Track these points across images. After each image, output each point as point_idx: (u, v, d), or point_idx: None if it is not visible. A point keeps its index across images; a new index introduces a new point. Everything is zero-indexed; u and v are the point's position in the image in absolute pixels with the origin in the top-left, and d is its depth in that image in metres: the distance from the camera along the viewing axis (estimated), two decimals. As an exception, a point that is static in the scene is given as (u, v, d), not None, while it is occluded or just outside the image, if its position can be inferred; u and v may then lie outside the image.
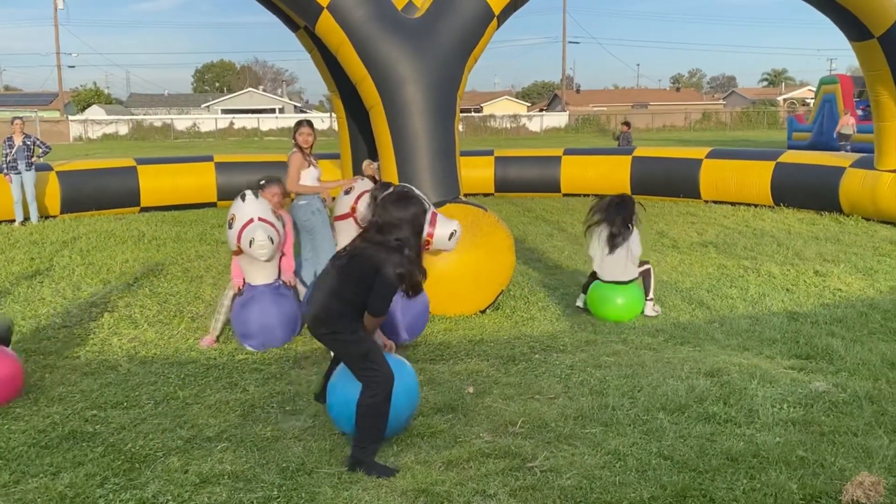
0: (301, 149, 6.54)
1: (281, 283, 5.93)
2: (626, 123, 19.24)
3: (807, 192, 11.89)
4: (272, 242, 5.53)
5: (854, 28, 9.94)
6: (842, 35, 10.43)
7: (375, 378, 3.66)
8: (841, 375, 4.85)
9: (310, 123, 6.74)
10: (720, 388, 4.60)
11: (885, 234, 9.82)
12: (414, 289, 3.72)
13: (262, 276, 5.82)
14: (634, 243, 6.35)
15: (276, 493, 3.44)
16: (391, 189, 4.29)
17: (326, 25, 6.85)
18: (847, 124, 23.11)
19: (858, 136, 21.43)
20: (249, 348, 5.65)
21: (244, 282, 5.83)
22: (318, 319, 3.71)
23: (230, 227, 5.62)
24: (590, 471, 3.60)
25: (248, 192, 5.67)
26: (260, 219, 5.55)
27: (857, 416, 4.19)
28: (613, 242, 6.30)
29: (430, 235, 5.70)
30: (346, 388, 3.84)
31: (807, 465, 3.62)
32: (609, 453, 3.78)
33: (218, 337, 5.83)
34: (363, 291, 3.66)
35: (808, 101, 54.82)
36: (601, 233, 6.39)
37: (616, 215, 6.30)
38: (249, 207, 5.61)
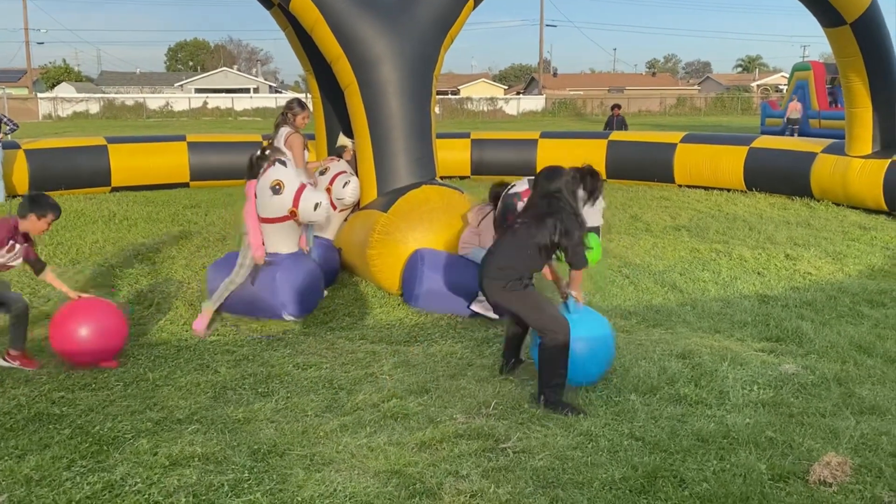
0: (297, 129, 6.38)
1: (301, 249, 5.94)
2: (617, 106, 18.05)
3: (779, 177, 12.00)
4: None
5: (827, 14, 10.00)
6: (815, 22, 10.49)
7: (553, 325, 4.09)
8: (810, 358, 4.92)
9: (305, 105, 6.62)
10: (691, 369, 4.65)
11: (854, 219, 9.95)
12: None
13: (288, 244, 5.77)
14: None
15: (246, 474, 3.41)
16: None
17: (301, 3, 6.74)
18: (795, 109, 24.36)
19: (829, 123, 21.73)
20: (288, 318, 5.64)
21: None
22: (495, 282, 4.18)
23: (277, 193, 5.53)
24: (562, 451, 3.61)
25: (284, 159, 5.67)
26: (308, 184, 5.69)
27: (825, 397, 4.26)
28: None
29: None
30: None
31: (776, 445, 3.66)
32: (581, 434, 3.80)
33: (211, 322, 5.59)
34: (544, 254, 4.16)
35: (781, 87, 55.36)
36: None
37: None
38: (293, 173, 5.64)
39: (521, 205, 5.76)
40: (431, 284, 5.90)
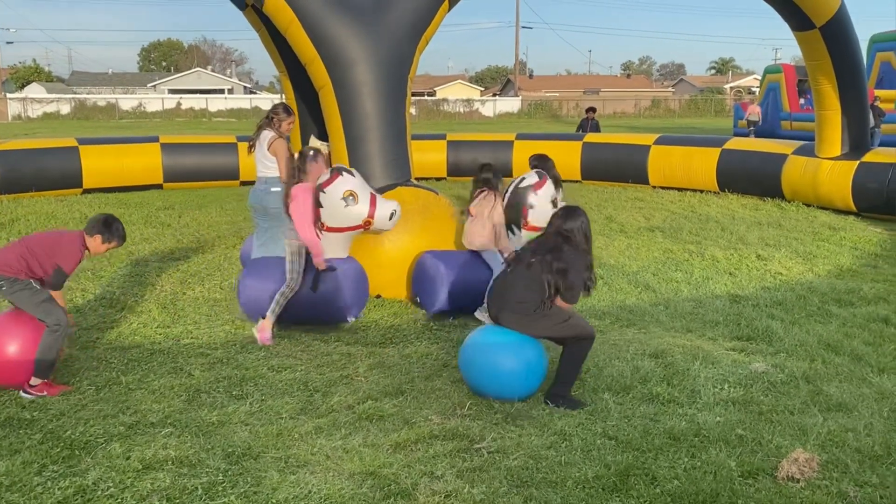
0: (281, 135, 6.26)
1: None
2: (592, 109, 17.39)
3: (751, 178, 12.16)
4: None
5: (797, 18, 10.16)
6: (787, 25, 10.66)
7: (583, 332, 4.31)
8: (779, 356, 5.00)
9: (292, 111, 6.49)
10: (664, 369, 4.71)
11: (824, 220, 10.12)
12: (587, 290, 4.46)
13: (345, 250, 5.83)
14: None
15: (221, 478, 3.40)
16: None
17: (275, 5, 6.72)
18: (754, 112, 25.22)
19: (800, 125, 22.07)
20: (351, 320, 5.69)
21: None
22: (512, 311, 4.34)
23: (350, 204, 5.56)
24: (536, 451, 3.64)
25: (344, 167, 5.79)
26: (374, 193, 5.83)
27: (794, 395, 4.33)
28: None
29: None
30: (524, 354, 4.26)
31: (745, 443, 3.72)
32: (555, 434, 3.83)
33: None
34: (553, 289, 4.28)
35: (754, 89, 56.06)
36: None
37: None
38: (361, 182, 5.71)
39: (533, 197, 6.03)
40: (453, 289, 5.78)
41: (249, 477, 3.42)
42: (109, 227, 4.56)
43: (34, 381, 4.32)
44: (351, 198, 5.56)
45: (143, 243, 8.76)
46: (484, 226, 5.92)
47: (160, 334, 5.53)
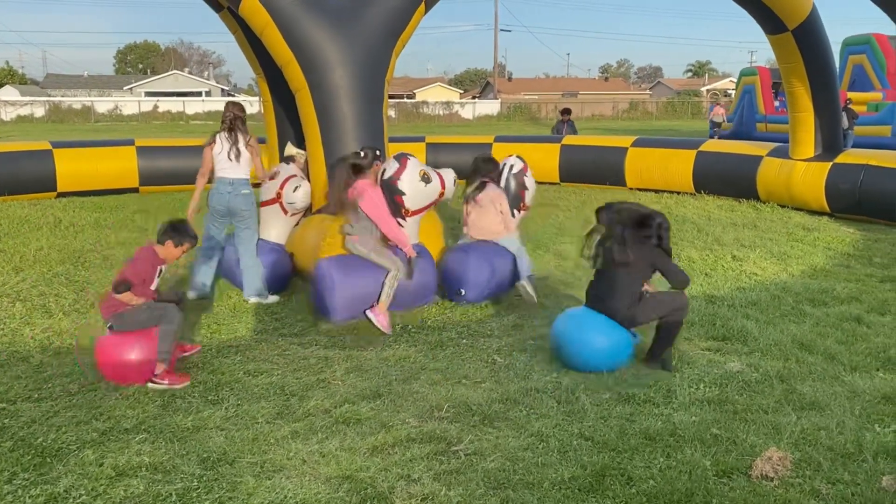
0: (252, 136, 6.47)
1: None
2: (567, 111, 17.26)
3: (726, 180, 12.28)
4: None
5: (770, 21, 10.28)
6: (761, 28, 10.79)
7: (678, 304, 4.86)
8: (754, 356, 5.05)
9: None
10: (640, 369, 4.73)
11: (798, 221, 10.25)
12: None
13: (416, 234, 6.20)
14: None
15: (196, 483, 3.37)
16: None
17: (250, 7, 6.68)
18: (718, 114, 26.49)
19: (776, 127, 22.34)
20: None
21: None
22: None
23: (427, 182, 5.95)
24: (513, 453, 3.65)
25: (403, 153, 6.19)
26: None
27: (769, 394, 4.38)
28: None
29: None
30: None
31: (720, 442, 3.76)
32: (532, 435, 3.84)
33: None
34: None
35: (729, 91, 56.64)
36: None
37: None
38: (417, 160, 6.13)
39: (528, 180, 6.69)
40: (480, 278, 6.18)
41: (225, 482, 3.39)
42: (178, 230, 4.73)
43: (157, 368, 4.53)
44: (425, 176, 5.94)
45: (118, 247, 8.66)
46: (496, 216, 6.35)
47: (135, 339, 5.46)
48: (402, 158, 5.98)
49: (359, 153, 5.95)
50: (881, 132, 19.50)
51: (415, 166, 5.91)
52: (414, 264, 5.80)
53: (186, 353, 5.00)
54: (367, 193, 5.66)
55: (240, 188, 6.34)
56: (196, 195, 6.47)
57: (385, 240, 5.78)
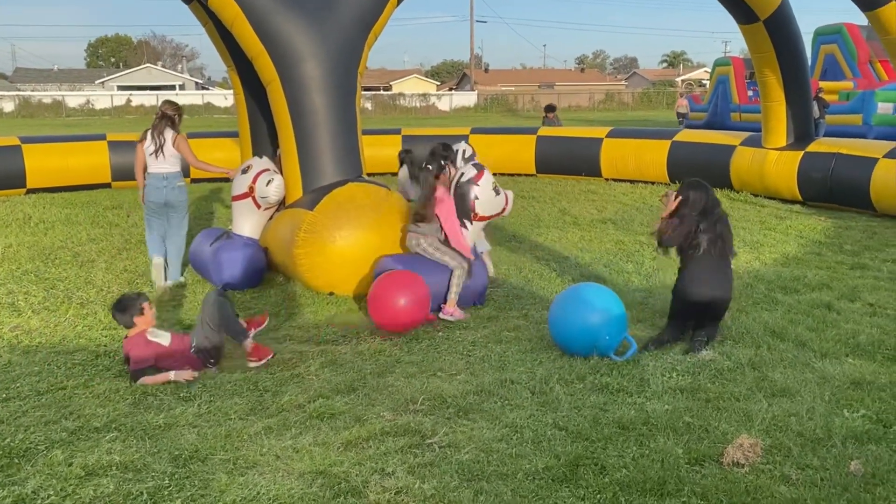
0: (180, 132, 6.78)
1: None
2: (551, 108, 17.19)
3: (700, 169, 12.31)
4: None
5: (741, 12, 10.35)
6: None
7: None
8: (726, 344, 5.09)
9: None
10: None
11: (771, 209, 10.35)
12: None
13: (479, 236, 6.47)
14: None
15: (167, 481, 3.34)
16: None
17: (220, -2, 6.60)
18: (682, 105, 27.07)
19: (749, 117, 22.54)
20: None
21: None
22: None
23: (498, 193, 6.11)
24: (487, 444, 3.65)
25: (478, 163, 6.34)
26: None
27: (740, 381, 4.42)
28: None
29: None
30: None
31: (692, 430, 3.78)
32: (507, 426, 3.85)
33: None
34: None
35: (704, 81, 57.04)
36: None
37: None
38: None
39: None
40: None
41: (197, 480, 3.36)
42: (125, 304, 4.70)
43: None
44: (496, 188, 6.13)
45: (89, 244, 8.55)
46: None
47: (106, 336, 5.40)
48: (479, 167, 6.18)
49: (440, 154, 6.15)
50: (852, 121, 19.74)
51: (489, 176, 6.15)
52: (472, 266, 5.96)
53: (261, 327, 5.21)
54: (445, 202, 5.95)
55: (173, 181, 6.70)
56: (140, 188, 6.84)
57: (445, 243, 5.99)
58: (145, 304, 4.72)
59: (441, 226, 5.94)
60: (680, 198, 5.32)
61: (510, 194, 6.33)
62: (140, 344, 4.59)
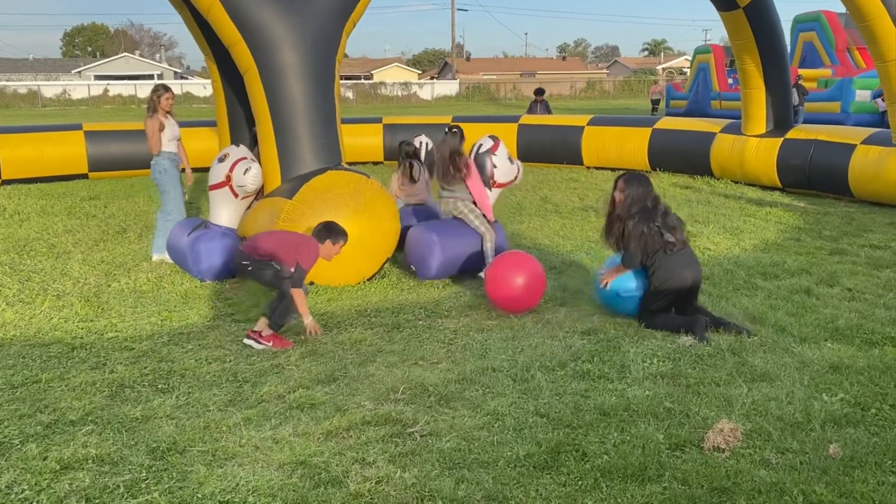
0: (158, 111, 7.22)
1: None
2: (540, 91, 16.84)
3: (681, 156, 12.41)
4: None
5: (722, -2, 10.37)
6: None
7: None
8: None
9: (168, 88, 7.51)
10: (595, 345, 4.76)
11: (751, 196, 10.40)
12: None
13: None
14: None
15: (144, 474, 3.29)
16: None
17: (195, -16, 6.49)
18: (656, 91, 28.00)
19: (730, 104, 22.63)
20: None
21: None
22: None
23: (512, 162, 6.79)
24: (469, 432, 3.64)
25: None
26: None
27: (721, 367, 4.43)
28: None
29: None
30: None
31: (673, 415, 3.79)
32: (488, 414, 3.83)
33: None
34: None
35: (685, 69, 57.25)
36: None
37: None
38: None
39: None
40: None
41: (175, 472, 3.31)
42: (333, 230, 5.22)
43: (266, 331, 4.91)
44: (510, 157, 6.80)
45: (65, 235, 8.44)
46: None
47: (82, 328, 5.33)
48: (494, 139, 6.82)
49: (454, 130, 6.57)
50: (831, 108, 19.90)
51: (504, 147, 6.80)
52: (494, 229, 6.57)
53: (282, 348, 5.21)
54: (473, 171, 6.47)
55: (155, 162, 7.29)
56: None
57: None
58: (340, 242, 5.24)
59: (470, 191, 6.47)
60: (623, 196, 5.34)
61: (520, 164, 6.99)
62: (315, 256, 5.05)
